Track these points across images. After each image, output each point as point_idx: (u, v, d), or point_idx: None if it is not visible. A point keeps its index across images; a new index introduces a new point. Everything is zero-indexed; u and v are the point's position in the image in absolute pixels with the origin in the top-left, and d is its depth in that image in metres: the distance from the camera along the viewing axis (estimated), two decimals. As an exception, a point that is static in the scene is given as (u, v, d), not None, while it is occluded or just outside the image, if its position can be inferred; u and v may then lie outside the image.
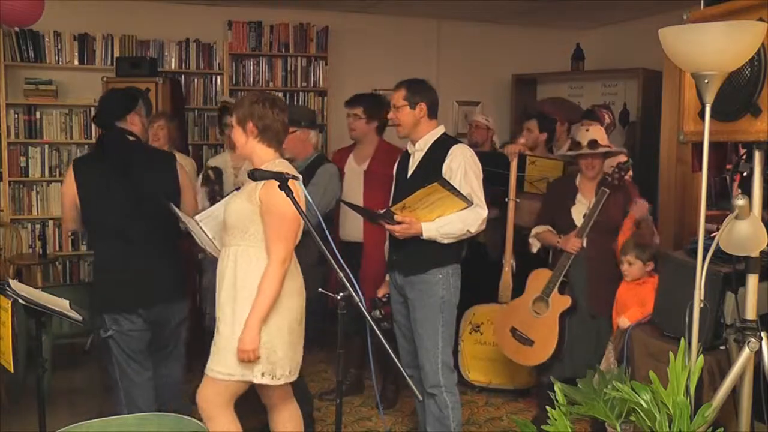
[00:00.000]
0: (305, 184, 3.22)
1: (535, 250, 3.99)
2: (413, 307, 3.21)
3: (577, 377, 3.27)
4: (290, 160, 3.08)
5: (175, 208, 2.98)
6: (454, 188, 3.01)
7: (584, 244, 3.67)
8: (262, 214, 2.66)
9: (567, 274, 3.72)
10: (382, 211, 3.18)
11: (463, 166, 3.12)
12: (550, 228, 3.86)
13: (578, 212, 3.74)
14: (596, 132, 3.78)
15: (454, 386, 3.21)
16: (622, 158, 3.86)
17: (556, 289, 3.73)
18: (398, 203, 3.09)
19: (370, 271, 3.88)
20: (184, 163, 4.55)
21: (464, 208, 3.07)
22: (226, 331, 2.70)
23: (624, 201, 3.66)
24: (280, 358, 2.70)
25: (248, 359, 2.62)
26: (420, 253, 3.14)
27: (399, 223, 3.07)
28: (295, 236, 2.70)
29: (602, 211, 3.61)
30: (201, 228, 2.97)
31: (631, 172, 3.77)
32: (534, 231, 3.96)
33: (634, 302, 3.42)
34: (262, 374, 2.69)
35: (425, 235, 3.07)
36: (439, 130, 3.27)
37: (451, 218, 3.07)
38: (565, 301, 3.71)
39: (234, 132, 2.80)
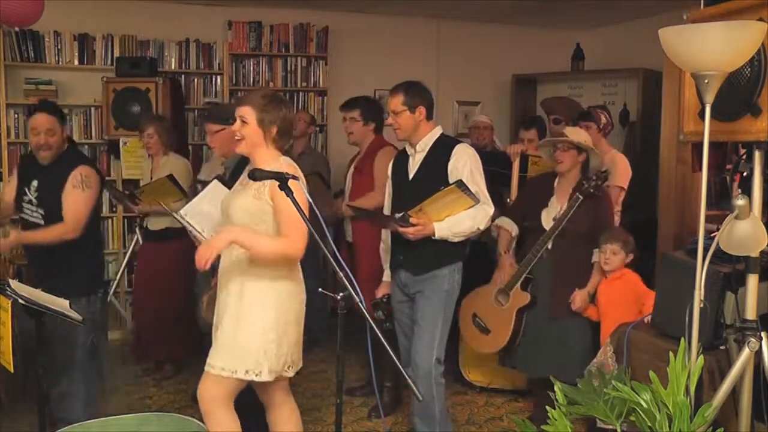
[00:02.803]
0: (234, 181, 3.26)
1: (495, 235, 4.04)
2: (418, 300, 3.26)
3: (537, 376, 3.33)
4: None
5: (164, 206, 3.06)
6: (469, 189, 3.05)
7: (549, 246, 3.67)
8: (276, 213, 2.65)
9: (532, 272, 3.74)
10: (398, 215, 3.20)
11: (468, 165, 3.17)
12: (512, 230, 3.90)
13: (548, 215, 3.73)
14: (574, 132, 3.78)
15: (440, 376, 3.28)
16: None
17: (518, 285, 3.76)
18: (415, 207, 3.10)
19: (365, 272, 3.87)
20: (177, 165, 4.62)
21: (471, 206, 3.10)
22: (230, 329, 2.71)
23: (596, 210, 3.62)
24: (284, 353, 2.72)
25: (203, 259, 2.53)
26: (430, 253, 3.19)
27: (412, 225, 3.10)
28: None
29: (572, 217, 3.58)
30: (188, 222, 3.01)
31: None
32: (499, 222, 3.95)
33: (618, 297, 3.43)
34: (270, 372, 2.70)
35: (437, 235, 3.11)
36: (438, 131, 3.31)
37: (460, 217, 3.11)
38: (524, 298, 3.75)
39: (248, 130, 2.73)
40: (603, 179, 3.60)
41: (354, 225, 4.10)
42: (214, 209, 2.97)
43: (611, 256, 3.49)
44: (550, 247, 3.68)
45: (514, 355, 3.85)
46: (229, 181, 3.48)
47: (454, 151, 3.20)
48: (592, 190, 3.55)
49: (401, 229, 3.14)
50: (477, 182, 3.17)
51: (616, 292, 3.49)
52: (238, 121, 2.74)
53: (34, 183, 3.48)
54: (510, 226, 3.92)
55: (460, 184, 3.03)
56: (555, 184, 3.80)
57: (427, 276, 3.23)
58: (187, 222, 3.02)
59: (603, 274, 3.58)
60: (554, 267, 3.68)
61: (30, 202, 3.49)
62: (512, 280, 3.78)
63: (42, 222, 3.44)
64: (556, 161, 3.73)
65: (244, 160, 3.38)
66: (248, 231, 2.64)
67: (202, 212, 3.02)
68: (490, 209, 3.18)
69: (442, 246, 3.16)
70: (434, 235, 3.11)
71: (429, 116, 3.26)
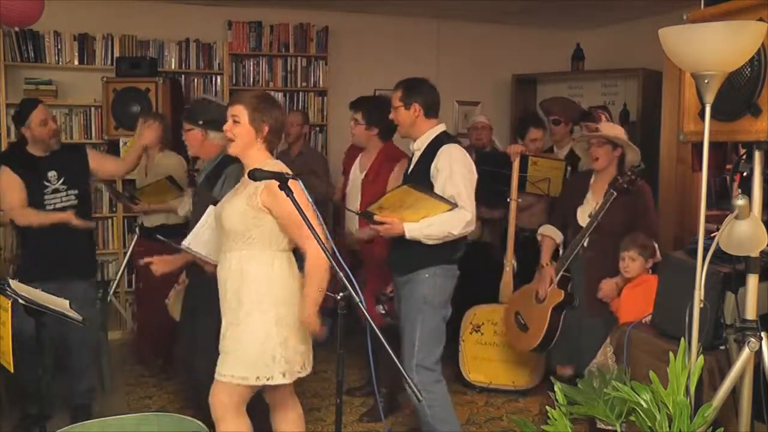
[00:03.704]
0: (212, 185, 3.30)
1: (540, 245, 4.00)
2: (401, 303, 3.25)
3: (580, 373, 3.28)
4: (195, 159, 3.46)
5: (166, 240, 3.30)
6: (427, 190, 3.00)
7: (585, 244, 3.67)
8: (276, 218, 2.65)
9: (569, 269, 3.74)
10: (360, 211, 3.18)
11: (448, 167, 3.08)
12: (556, 238, 3.88)
13: (584, 212, 3.72)
14: (609, 127, 3.79)
15: (433, 384, 3.16)
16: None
17: (555, 282, 3.76)
18: (375, 203, 3.07)
19: (372, 274, 3.86)
20: (172, 162, 4.69)
21: (449, 210, 3.03)
22: (234, 336, 2.70)
23: (633, 206, 3.61)
24: (292, 355, 2.72)
25: (312, 329, 2.68)
26: (409, 253, 3.14)
27: (379, 223, 3.07)
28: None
29: (607, 213, 3.56)
30: (194, 251, 3.03)
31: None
32: (542, 230, 3.96)
33: (636, 304, 3.40)
34: (283, 374, 2.69)
35: (408, 236, 3.05)
36: (437, 130, 3.24)
37: (434, 220, 3.04)
38: (558, 295, 3.76)
39: (240, 129, 2.72)
40: (638, 174, 3.57)
41: (360, 228, 4.04)
42: (215, 236, 2.98)
43: (629, 263, 3.47)
44: (586, 244, 3.66)
45: (554, 353, 3.84)
46: (202, 186, 3.49)
47: (439, 151, 3.13)
48: (625, 186, 3.52)
49: (372, 226, 3.14)
50: (456, 184, 3.06)
51: (633, 299, 3.44)
52: (230, 121, 2.73)
53: (52, 173, 3.74)
54: (554, 234, 3.90)
55: (413, 185, 2.97)
56: (591, 181, 3.79)
57: (407, 278, 3.18)
58: (194, 252, 3.04)
59: (625, 279, 3.57)
60: (590, 264, 3.67)
61: (56, 191, 3.74)
62: None
63: (75, 202, 3.78)
64: (591, 157, 3.72)
65: (220, 165, 3.39)
66: (305, 298, 2.66)
67: (204, 239, 3.04)
68: (468, 214, 3.05)
69: (420, 248, 3.08)
70: (405, 236, 3.05)
71: (429, 114, 3.21)
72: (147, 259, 3.29)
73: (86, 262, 3.92)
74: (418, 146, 3.24)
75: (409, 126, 3.23)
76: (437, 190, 3.07)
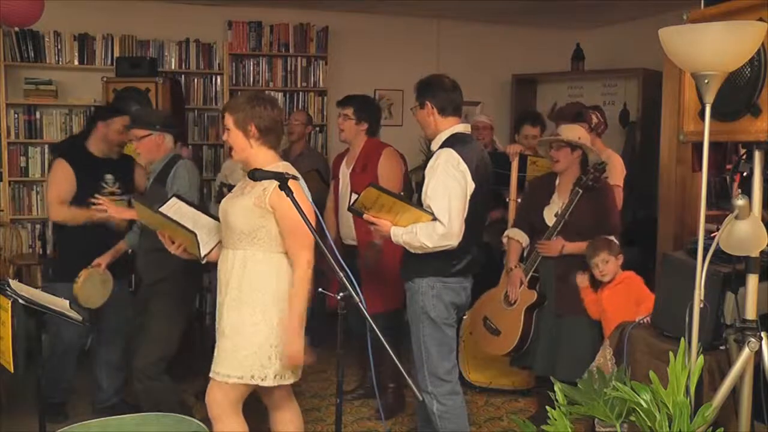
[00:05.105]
0: (162, 182, 3.36)
1: (506, 248, 4.01)
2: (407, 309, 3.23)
3: (545, 374, 3.30)
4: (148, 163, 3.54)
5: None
6: (390, 192, 2.97)
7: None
8: (278, 221, 2.64)
9: (538, 270, 3.75)
10: (349, 207, 3.16)
11: (432, 173, 2.98)
12: (522, 241, 3.87)
13: (550, 212, 3.73)
14: (568, 129, 3.80)
15: (447, 396, 3.10)
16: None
17: (525, 284, 3.77)
18: (357, 201, 3.02)
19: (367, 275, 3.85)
20: None
21: (432, 220, 2.93)
22: (232, 335, 2.69)
23: (598, 203, 3.64)
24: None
25: (298, 363, 2.69)
26: (406, 261, 3.11)
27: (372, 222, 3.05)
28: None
29: (575, 211, 3.59)
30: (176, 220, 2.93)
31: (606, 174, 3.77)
32: (509, 233, 3.95)
33: (621, 301, 3.42)
34: (275, 376, 2.69)
35: (393, 240, 3.01)
36: (452, 130, 3.09)
37: (413, 228, 2.95)
38: (531, 296, 3.75)
39: (231, 135, 2.72)
40: (601, 171, 3.61)
41: (356, 227, 4.05)
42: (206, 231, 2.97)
43: (603, 266, 3.48)
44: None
45: (525, 354, 3.83)
46: (152, 186, 3.51)
47: (435, 155, 3.05)
48: (590, 183, 3.57)
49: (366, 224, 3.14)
50: (434, 194, 2.92)
51: (619, 297, 3.45)
52: (225, 131, 2.76)
53: (110, 177, 3.85)
54: (520, 237, 3.88)
55: (375, 185, 2.93)
56: (556, 182, 3.81)
57: (407, 286, 3.14)
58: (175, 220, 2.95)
59: (594, 282, 3.57)
60: (560, 264, 3.68)
61: (111, 194, 3.81)
62: None
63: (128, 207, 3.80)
64: (551, 160, 3.76)
65: (169, 164, 3.48)
66: (291, 324, 2.65)
67: (185, 217, 2.98)
68: (441, 227, 2.88)
69: (414, 256, 3.01)
70: (392, 239, 3.01)
71: (444, 113, 3.09)
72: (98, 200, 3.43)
73: (122, 262, 3.89)
74: (434, 147, 3.14)
75: (426, 126, 3.16)
76: (423, 196, 3.03)
